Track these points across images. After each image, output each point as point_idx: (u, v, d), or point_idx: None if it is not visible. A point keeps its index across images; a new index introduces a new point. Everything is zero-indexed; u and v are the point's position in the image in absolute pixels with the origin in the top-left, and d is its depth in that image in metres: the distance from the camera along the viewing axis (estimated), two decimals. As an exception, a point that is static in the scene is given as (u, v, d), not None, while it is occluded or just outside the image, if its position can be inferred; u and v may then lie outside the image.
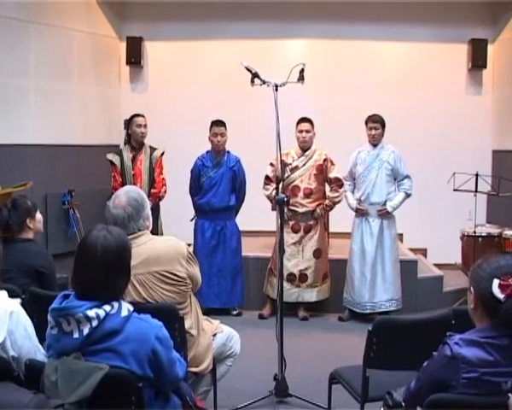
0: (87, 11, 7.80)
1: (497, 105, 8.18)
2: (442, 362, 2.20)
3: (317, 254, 6.24)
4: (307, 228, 6.19)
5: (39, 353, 2.59)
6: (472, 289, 2.26)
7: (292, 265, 6.17)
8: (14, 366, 2.52)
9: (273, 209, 6.14)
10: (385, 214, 6.13)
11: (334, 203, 6.28)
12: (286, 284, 6.06)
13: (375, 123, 6.08)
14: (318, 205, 6.19)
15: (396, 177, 6.19)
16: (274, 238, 6.07)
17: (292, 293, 6.15)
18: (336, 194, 6.20)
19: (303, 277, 6.18)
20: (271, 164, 6.25)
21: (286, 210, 6.08)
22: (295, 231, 6.16)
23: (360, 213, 6.19)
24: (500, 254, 2.33)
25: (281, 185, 6.20)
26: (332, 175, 6.19)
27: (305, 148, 6.17)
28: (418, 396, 2.30)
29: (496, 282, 2.16)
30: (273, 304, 6.10)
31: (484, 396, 2.14)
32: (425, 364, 2.32)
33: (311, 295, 6.25)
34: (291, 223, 6.14)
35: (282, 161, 6.16)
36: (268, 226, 6.30)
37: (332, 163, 6.20)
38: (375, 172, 6.11)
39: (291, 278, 6.16)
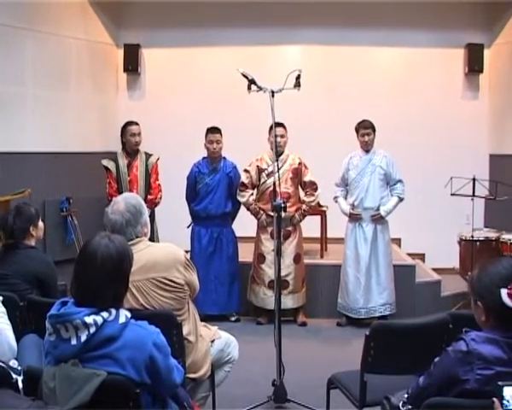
0: (84, 18, 7.81)
1: (493, 109, 8.19)
2: (457, 357, 2.20)
3: (297, 259, 6.22)
4: (286, 234, 6.07)
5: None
6: (479, 303, 2.28)
7: (273, 272, 6.12)
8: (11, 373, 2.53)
9: (257, 218, 6.15)
10: (378, 219, 6.13)
11: (311, 208, 6.29)
12: (268, 292, 6.07)
13: (367, 129, 6.09)
14: (296, 210, 6.17)
15: (389, 181, 6.19)
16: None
17: (274, 300, 6.11)
18: (312, 198, 6.20)
19: (284, 283, 6.00)
20: (246, 170, 6.25)
21: (265, 216, 6.10)
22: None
23: (354, 218, 6.18)
24: (493, 259, 2.35)
25: (255, 191, 6.27)
26: (307, 179, 6.18)
27: (279, 152, 6.08)
28: (425, 392, 2.29)
29: (504, 292, 2.19)
30: (269, 312, 6.06)
31: (480, 402, 2.13)
32: (437, 359, 2.31)
33: (292, 302, 6.23)
34: (269, 229, 6.07)
35: (258, 166, 6.20)
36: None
37: (306, 167, 6.21)
38: (367, 177, 6.11)
39: (273, 284, 6.09)
